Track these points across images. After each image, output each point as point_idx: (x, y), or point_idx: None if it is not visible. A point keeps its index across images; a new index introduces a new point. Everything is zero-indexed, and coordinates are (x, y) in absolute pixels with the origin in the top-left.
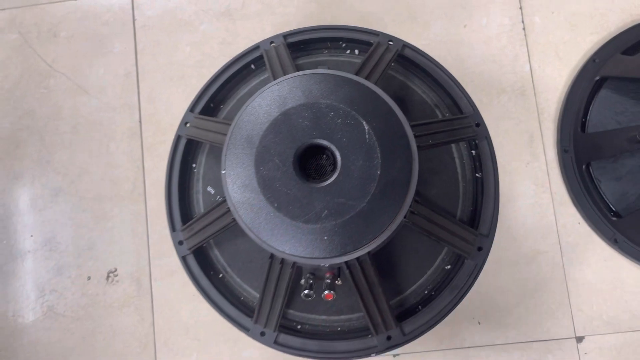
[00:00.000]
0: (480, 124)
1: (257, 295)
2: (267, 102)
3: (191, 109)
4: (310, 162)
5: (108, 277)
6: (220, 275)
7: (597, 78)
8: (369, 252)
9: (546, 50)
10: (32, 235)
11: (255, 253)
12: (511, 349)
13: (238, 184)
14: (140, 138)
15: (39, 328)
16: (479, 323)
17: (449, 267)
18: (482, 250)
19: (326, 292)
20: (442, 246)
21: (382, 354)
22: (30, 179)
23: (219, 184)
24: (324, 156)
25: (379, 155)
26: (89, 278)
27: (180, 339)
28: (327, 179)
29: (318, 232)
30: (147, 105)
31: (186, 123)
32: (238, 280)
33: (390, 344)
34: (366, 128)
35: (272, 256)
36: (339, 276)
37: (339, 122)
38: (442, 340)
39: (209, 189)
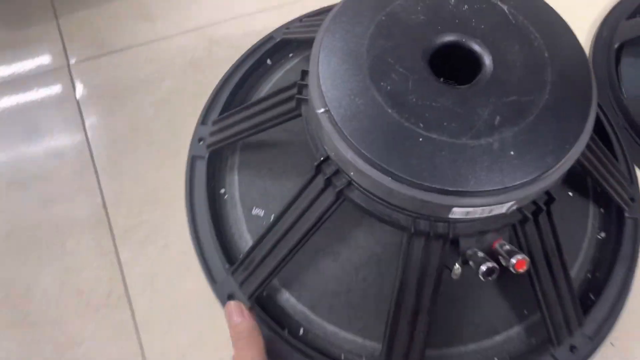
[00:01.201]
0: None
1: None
2: (353, 10)
3: (202, 120)
4: (446, 66)
5: None
6: (301, 332)
7: (617, 45)
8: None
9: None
10: None
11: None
12: None
13: (352, 121)
14: (109, 225)
15: None
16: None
17: (602, 234)
18: (634, 202)
19: (517, 258)
20: (586, 205)
21: None
22: None
23: (266, 200)
24: (463, 54)
25: (538, 36)
26: None
27: None
28: (479, 79)
29: (497, 148)
30: (111, 182)
31: (200, 140)
32: (333, 329)
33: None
34: (505, 8)
35: (413, 227)
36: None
37: (465, 10)
38: None
39: (256, 211)
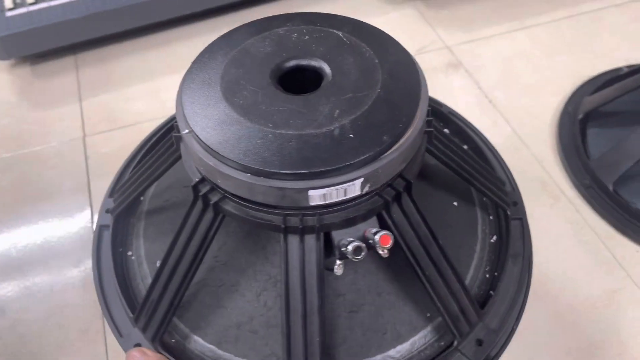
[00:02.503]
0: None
1: None
2: (210, 52)
3: (110, 194)
4: (292, 81)
5: None
6: None
7: (580, 117)
8: (409, 187)
9: (519, 113)
10: None
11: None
12: None
13: (212, 133)
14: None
15: None
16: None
17: (494, 238)
18: (517, 205)
19: (380, 234)
20: (473, 213)
21: None
22: None
23: None
24: (306, 70)
25: (368, 49)
26: None
27: None
28: (322, 86)
29: (338, 134)
30: None
31: (107, 211)
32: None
33: (483, 353)
34: (340, 34)
35: (284, 224)
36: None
37: (306, 39)
38: None
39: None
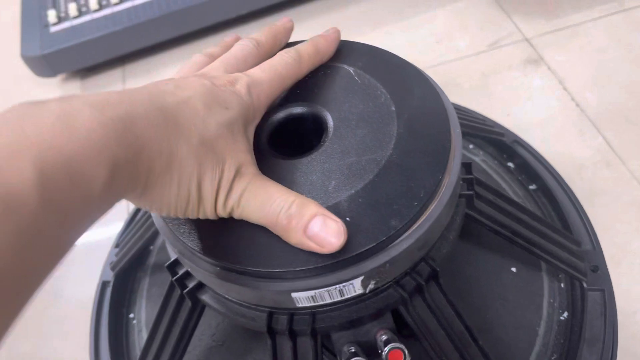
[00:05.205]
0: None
1: None
2: None
3: (116, 244)
4: (287, 136)
5: None
6: None
7: None
8: (434, 274)
9: (614, 120)
10: None
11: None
12: None
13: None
14: None
15: None
16: None
17: (565, 315)
18: (598, 270)
19: (390, 347)
20: (538, 278)
21: None
22: None
23: None
24: (303, 121)
25: (384, 91)
26: None
27: None
28: (320, 146)
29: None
30: None
31: (111, 264)
32: None
33: None
34: (351, 70)
35: (269, 324)
36: (399, 331)
37: (308, 78)
38: None
39: None
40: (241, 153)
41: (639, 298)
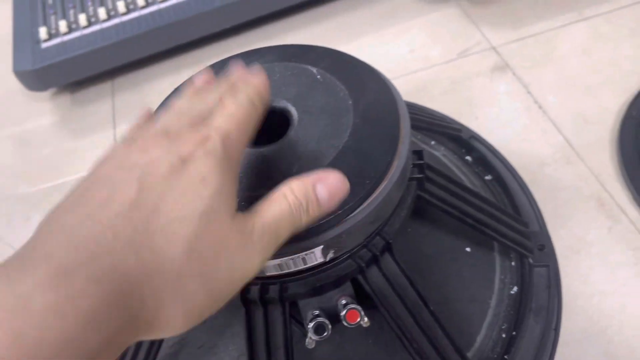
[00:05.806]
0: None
1: None
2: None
3: None
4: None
5: None
6: None
7: None
8: (388, 247)
9: (573, 120)
10: None
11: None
12: None
13: None
14: None
15: None
16: None
17: (515, 289)
18: (545, 248)
19: (347, 309)
20: (491, 257)
21: None
22: None
23: None
24: (270, 115)
25: (343, 88)
26: None
27: None
28: (285, 137)
29: None
30: None
31: None
32: None
33: None
34: (314, 70)
35: (242, 294)
36: (360, 303)
37: (276, 78)
38: None
39: None
40: (232, 239)
41: (596, 282)
